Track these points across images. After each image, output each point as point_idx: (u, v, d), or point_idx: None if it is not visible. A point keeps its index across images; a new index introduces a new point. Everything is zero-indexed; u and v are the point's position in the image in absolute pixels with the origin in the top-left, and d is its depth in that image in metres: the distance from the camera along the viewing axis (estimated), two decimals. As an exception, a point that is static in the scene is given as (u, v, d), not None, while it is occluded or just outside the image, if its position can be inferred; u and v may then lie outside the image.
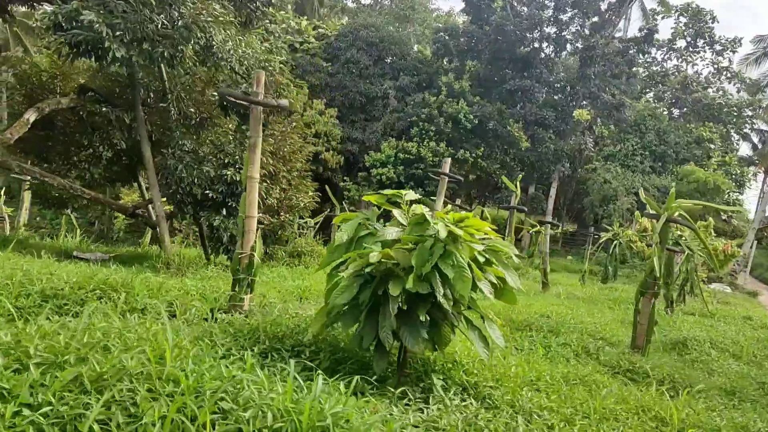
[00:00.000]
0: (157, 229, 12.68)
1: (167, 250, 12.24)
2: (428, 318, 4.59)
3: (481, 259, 4.85)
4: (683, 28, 44.29)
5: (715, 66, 45.58)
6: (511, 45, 35.21)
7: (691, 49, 45.70)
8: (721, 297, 22.13)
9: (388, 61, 37.20)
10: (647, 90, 46.86)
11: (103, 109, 12.51)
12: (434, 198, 10.79)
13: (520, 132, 37.32)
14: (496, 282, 4.90)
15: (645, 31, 38.98)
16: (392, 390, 4.42)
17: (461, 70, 37.66)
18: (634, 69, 47.02)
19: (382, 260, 4.58)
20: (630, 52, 36.49)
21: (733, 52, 43.80)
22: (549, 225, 19.12)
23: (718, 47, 44.47)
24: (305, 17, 38.26)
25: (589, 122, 35.66)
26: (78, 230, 19.06)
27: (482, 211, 40.22)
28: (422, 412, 4.11)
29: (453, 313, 4.78)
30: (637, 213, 23.28)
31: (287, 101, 8.09)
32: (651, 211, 8.99)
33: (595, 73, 35.09)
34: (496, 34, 34.79)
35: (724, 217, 45.90)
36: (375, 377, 4.56)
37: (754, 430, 5.57)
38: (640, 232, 24.57)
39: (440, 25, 39.24)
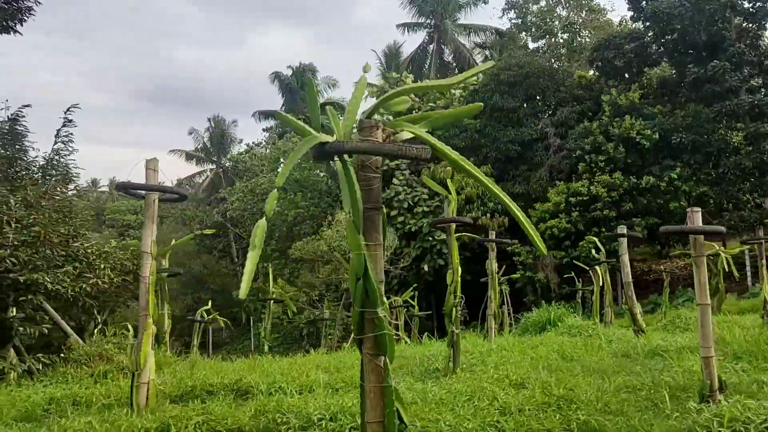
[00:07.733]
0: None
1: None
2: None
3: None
4: None
5: None
6: (700, 26, 26.73)
7: None
8: None
9: (539, 97, 32.14)
10: None
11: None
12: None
13: (734, 134, 27.68)
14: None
15: None
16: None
17: (630, 82, 30.43)
18: None
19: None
20: None
21: None
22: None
23: None
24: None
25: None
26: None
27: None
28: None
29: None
30: None
31: None
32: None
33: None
34: (694, 10, 26.52)
35: None
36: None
37: None
38: None
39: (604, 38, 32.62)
